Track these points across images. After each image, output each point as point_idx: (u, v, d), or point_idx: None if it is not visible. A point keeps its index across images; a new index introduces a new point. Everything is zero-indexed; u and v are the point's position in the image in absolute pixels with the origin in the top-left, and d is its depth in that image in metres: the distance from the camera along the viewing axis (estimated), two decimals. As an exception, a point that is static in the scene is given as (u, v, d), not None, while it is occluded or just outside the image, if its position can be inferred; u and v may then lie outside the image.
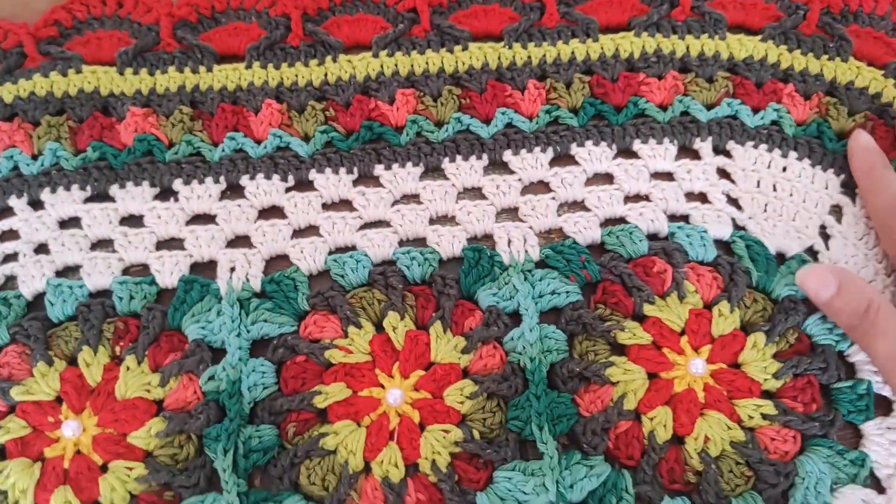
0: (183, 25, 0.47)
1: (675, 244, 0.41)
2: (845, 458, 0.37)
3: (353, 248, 0.42)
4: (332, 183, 0.43)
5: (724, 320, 0.39)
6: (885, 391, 0.38)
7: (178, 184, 0.43)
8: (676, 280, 0.40)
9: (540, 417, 0.37)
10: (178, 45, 0.46)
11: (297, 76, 0.46)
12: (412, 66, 0.46)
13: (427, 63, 0.46)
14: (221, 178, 0.43)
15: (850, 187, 0.43)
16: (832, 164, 0.43)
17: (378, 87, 0.45)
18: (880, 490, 0.37)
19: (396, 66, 0.46)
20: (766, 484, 0.36)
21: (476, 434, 0.37)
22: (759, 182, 0.43)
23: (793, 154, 0.44)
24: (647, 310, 0.40)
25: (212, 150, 0.44)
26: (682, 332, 0.39)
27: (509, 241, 0.41)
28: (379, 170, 0.43)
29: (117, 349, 0.39)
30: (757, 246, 0.41)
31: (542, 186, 0.44)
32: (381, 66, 0.46)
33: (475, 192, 0.43)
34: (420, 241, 0.42)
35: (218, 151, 0.44)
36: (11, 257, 0.41)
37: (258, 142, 0.44)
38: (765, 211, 0.42)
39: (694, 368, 0.38)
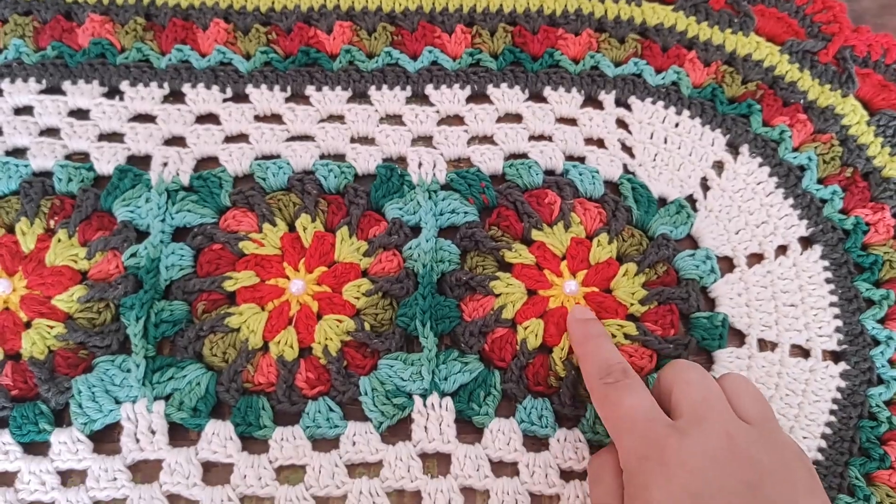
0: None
1: (568, 180, 0.45)
2: (692, 377, 0.41)
3: (278, 157, 0.46)
4: (265, 98, 0.47)
5: (602, 250, 0.44)
6: (741, 325, 0.43)
7: (125, 85, 0.47)
8: (564, 211, 0.44)
9: (424, 315, 0.41)
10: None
11: (246, 1, 0.49)
12: (353, 2, 0.50)
13: (366, 1, 0.50)
14: (165, 84, 0.47)
15: (733, 146, 0.48)
16: (720, 124, 0.48)
17: (319, 17, 0.49)
18: (720, 408, 0.41)
19: (339, 1, 0.50)
20: (617, 393, 0.41)
21: (367, 326, 0.41)
22: (652, 134, 0.47)
23: (686, 112, 0.48)
24: (535, 235, 0.44)
25: (159, 58, 0.48)
26: (564, 258, 0.44)
27: (420, 164, 0.46)
28: (310, 90, 0.47)
29: (52, 223, 0.43)
30: (641, 189, 0.46)
31: (457, 120, 0.48)
32: (325, 1, 0.50)
33: (396, 119, 0.48)
34: (340, 157, 0.46)
35: (165, 60, 0.48)
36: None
37: (203, 55, 0.48)
38: (654, 160, 0.47)
39: (568, 289, 0.43)
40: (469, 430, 0.40)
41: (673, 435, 0.32)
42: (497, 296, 0.42)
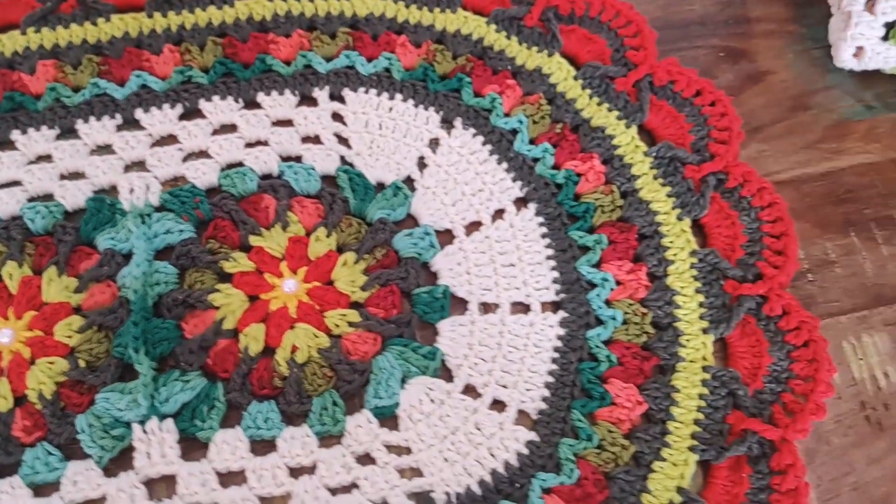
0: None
1: (283, 181, 0.46)
2: (418, 353, 0.42)
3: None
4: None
5: (320, 244, 0.44)
6: (462, 292, 0.44)
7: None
8: (279, 212, 0.45)
9: (136, 342, 0.41)
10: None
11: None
12: (57, 38, 0.49)
13: (70, 35, 0.49)
14: None
15: (448, 121, 0.49)
16: (433, 102, 0.49)
17: (22, 60, 0.48)
18: (451, 379, 0.42)
19: (42, 41, 0.49)
20: (344, 382, 0.41)
21: (82, 363, 0.41)
22: (367, 122, 0.48)
23: (399, 96, 0.49)
24: (253, 240, 0.44)
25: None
26: (284, 258, 0.44)
27: (131, 190, 0.45)
28: (15, 134, 0.47)
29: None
30: (358, 178, 0.46)
31: (171, 139, 0.48)
32: (28, 42, 0.49)
33: (106, 150, 0.47)
34: (49, 197, 0.45)
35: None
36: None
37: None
38: (370, 147, 0.48)
39: (287, 287, 0.43)
40: (197, 446, 0.40)
41: None
42: (217, 308, 0.42)
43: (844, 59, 0.50)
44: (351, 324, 0.43)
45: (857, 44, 0.49)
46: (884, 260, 0.46)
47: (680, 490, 0.39)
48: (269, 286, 0.43)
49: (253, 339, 0.42)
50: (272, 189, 0.45)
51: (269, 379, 0.41)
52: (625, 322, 0.43)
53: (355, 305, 0.44)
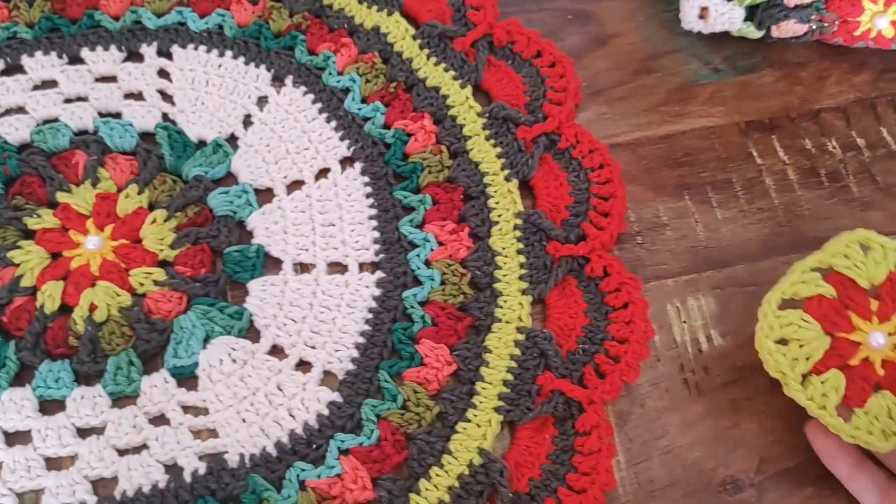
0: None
1: (97, 137, 0.44)
2: (224, 313, 0.41)
3: None
4: None
5: (130, 201, 0.43)
6: (277, 252, 0.43)
7: None
8: (88, 169, 0.43)
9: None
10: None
11: None
12: None
13: None
14: None
15: (279, 79, 0.47)
16: (265, 60, 0.48)
17: None
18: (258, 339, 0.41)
19: None
20: (143, 341, 0.40)
21: None
22: (193, 79, 0.47)
23: (229, 53, 0.48)
24: (60, 197, 0.43)
25: None
26: (91, 215, 0.43)
27: (-64, 147, 0.44)
28: None
29: None
30: (177, 135, 0.45)
31: (-13, 95, 0.46)
32: None
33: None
34: None
35: None
36: None
37: None
38: (194, 104, 0.46)
39: (91, 245, 0.42)
40: (-14, 407, 0.39)
41: None
42: (18, 265, 0.41)
43: (690, 20, 0.49)
44: (156, 282, 0.41)
45: (702, 3, 0.48)
46: (717, 223, 0.45)
47: (481, 451, 0.38)
48: (73, 243, 0.42)
49: (49, 296, 0.40)
50: (84, 145, 0.44)
51: (65, 338, 0.40)
52: (443, 282, 0.42)
53: (163, 263, 0.42)
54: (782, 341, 0.37)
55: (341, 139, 0.46)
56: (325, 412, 0.39)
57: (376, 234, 0.43)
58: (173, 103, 0.46)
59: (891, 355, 0.36)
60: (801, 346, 0.36)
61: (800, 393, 0.36)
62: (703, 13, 0.49)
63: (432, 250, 0.43)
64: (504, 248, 0.43)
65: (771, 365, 0.37)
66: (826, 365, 0.36)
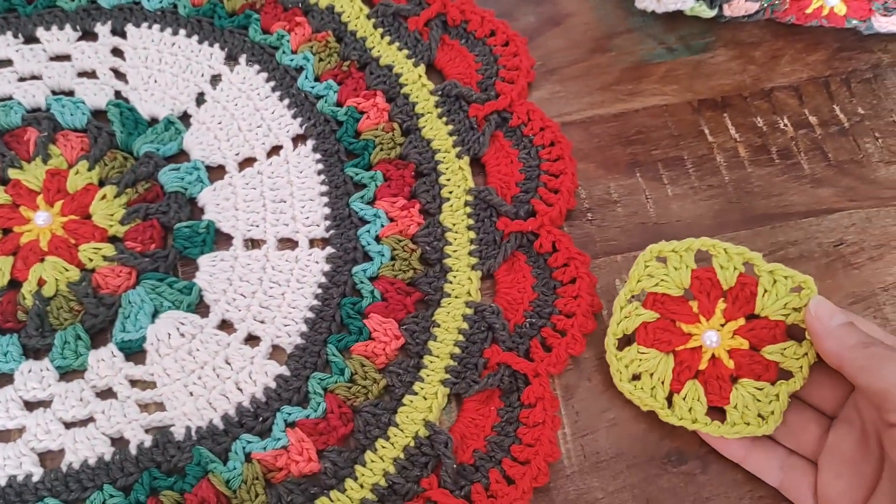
0: None
1: (48, 114, 0.44)
2: (174, 288, 0.41)
3: None
4: None
5: (80, 177, 0.43)
6: (228, 228, 0.43)
7: None
8: (39, 145, 0.43)
9: None
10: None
11: None
12: None
13: None
14: None
15: (232, 58, 0.48)
16: (219, 38, 0.48)
17: None
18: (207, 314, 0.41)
19: None
20: (91, 315, 0.40)
21: None
22: (147, 58, 0.47)
23: (183, 31, 0.48)
24: (12, 173, 0.43)
25: None
26: (42, 192, 0.43)
27: None
28: None
29: None
30: (129, 112, 0.45)
31: (-60, 74, 0.46)
32: None
33: None
34: None
35: None
36: None
37: None
38: (147, 82, 0.46)
39: (40, 221, 0.42)
40: (-69, 381, 0.39)
41: None
42: (-36, 244, 0.41)
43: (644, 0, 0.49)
44: (105, 258, 0.41)
45: (653, -17, 0.48)
46: (667, 200, 0.46)
47: (427, 423, 0.38)
48: (23, 219, 0.42)
49: (-1, 272, 0.40)
50: (36, 122, 0.44)
51: (13, 312, 0.40)
52: (393, 258, 0.42)
53: (116, 240, 0.42)
54: (637, 377, 0.38)
55: (294, 117, 0.46)
56: (273, 385, 0.39)
57: (327, 211, 0.43)
58: (126, 81, 0.46)
59: (733, 344, 0.38)
60: (651, 375, 0.38)
61: (671, 417, 0.37)
62: (657, -7, 0.49)
63: (383, 226, 0.43)
64: (454, 224, 0.43)
65: (636, 403, 0.38)
66: (681, 380, 0.37)
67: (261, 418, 0.38)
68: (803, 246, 0.44)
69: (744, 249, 0.38)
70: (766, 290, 0.37)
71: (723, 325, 0.38)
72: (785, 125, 0.48)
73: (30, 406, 0.38)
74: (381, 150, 0.45)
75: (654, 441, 0.39)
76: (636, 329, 0.38)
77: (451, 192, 0.44)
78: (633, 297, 0.39)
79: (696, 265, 0.39)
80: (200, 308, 0.41)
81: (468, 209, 0.44)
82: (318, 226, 0.43)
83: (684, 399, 0.37)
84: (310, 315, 0.41)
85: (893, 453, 0.32)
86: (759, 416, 0.37)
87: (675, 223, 0.45)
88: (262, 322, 0.41)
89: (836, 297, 0.43)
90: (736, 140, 0.48)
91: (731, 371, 0.37)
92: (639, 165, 0.47)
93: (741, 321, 0.38)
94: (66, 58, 0.47)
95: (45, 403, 0.39)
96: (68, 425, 0.38)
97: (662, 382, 0.38)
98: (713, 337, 0.38)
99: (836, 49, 0.51)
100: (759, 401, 0.37)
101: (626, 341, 0.39)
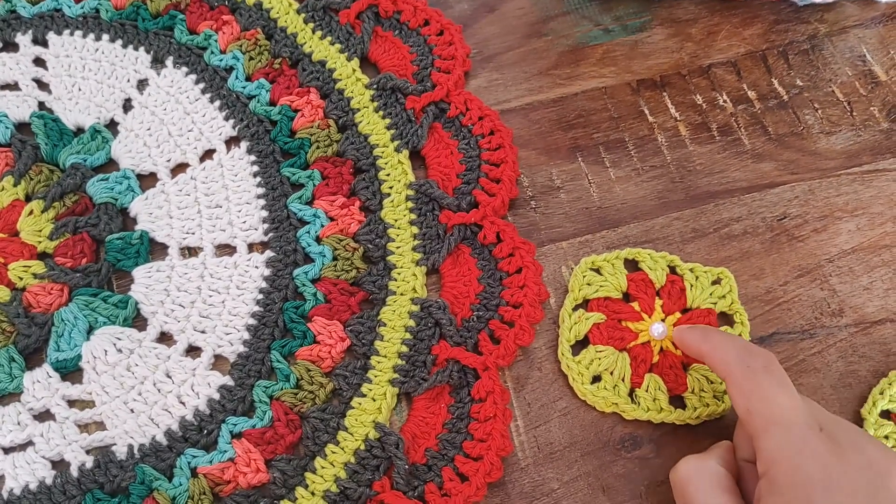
0: None
1: (-31, 130, 0.43)
2: (108, 302, 0.40)
3: None
4: None
5: (5, 194, 0.41)
6: (162, 237, 0.42)
7: None
8: (-43, 163, 0.42)
9: None
10: None
11: None
12: None
13: None
14: None
15: (159, 61, 0.46)
16: (143, 42, 0.46)
17: None
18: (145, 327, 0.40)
19: None
20: (23, 336, 0.39)
21: None
22: (70, 66, 0.45)
23: (106, 36, 0.46)
24: (-69, 195, 0.41)
25: None
26: (-36, 211, 0.41)
27: None
28: None
29: None
30: (54, 123, 0.43)
31: None
32: None
33: None
34: None
35: None
36: None
37: None
38: (71, 91, 0.45)
39: (-37, 241, 0.40)
40: None
41: (834, 454, 0.29)
42: None
43: (578, -18, 0.49)
44: (36, 275, 0.40)
45: (588, -35, 0.48)
46: (610, 183, 0.45)
47: (376, 425, 0.37)
48: (-58, 241, 0.40)
49: (-79, 296, 0.39)
50: (-44, 139, 0.42)
51: (-60, 338, 0.38)
52: (335, 258, 0.41)
53: (45, 256, 0.41)
54: (597, 378, 0.39)
55: (226, 119, 0.45)
56: (217, 396, 0.38)
57: (264, 214, 0.42)
58: (49, 91, 0.45)
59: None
60: (611, 373, 0.39)
61: (637, 411, 0.38)
62: (591, -26, 0.49)
63: (322, 226, 0.42)
64: (396, 220, 0.42)
65: (598, 407, 0.39)
66: (639, 374, 0.39)
67: (205, 431, 0.38)
68: (747, 222, 0.44)
69: (664, 253, 0.42)
70: (691, 285, 0.40)
71: (663, 320, 0.40)
72: (724, 101, 0.48)
73: (-36, 435, 0.37)
74: (318, 148, 0.44)
75: (607, 428, 0.39)
76: (588, 332, 0.40)
77: (391, 188, 0.43)
78: (576, 305, 0.40)
79: (626, 271, 0.41)
80: (138, 322, 0.40)
81: (410, 204, 0.43)
82: (256, 229, 0.42)
83: (647, 391, 0.38)
84: (252, 322, 0.40)
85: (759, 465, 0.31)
86: (715, 397, 0.38)
87: (619, 206, 0.45)
88: (202, 332, 0.40)
89: (782, 270, 0.43)
90: (676, 119, 0.47)
91: (681, 358, 0.39)
92: (580, 150, 0.46)
93: (678, 315, 0.40)
94: (-14, 70, 0.45)
95: (-21, 431, 0.37)
96: (7, 451, 0.37)
97: (623, 379, 0.39)
98: (660, 328, 0.39)
99: (772, 21, 0.51)
100: (711, 382, 0.38)
101: (576, 350, 0.40)
